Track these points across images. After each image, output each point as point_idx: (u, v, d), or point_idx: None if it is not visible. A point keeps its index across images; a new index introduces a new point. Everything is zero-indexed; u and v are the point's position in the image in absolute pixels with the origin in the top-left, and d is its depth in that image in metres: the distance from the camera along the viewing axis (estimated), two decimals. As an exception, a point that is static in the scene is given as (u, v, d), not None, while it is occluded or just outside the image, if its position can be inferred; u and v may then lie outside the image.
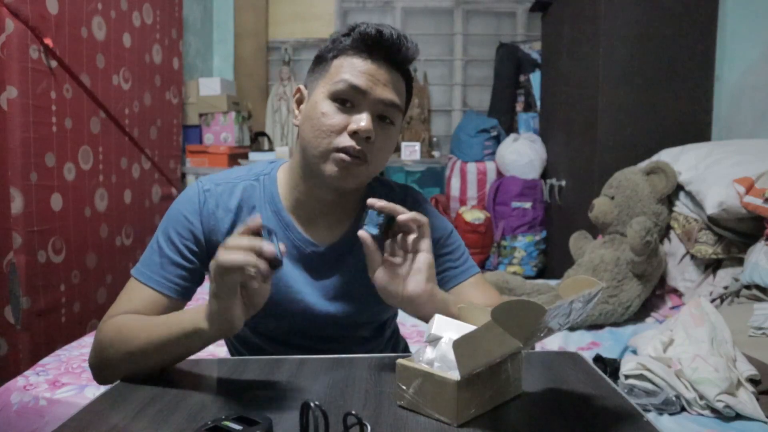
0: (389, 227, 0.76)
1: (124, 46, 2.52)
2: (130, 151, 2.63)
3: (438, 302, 0.77)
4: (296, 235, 0.90)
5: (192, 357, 0.77)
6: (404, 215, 0.75)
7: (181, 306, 0.87)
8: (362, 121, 0.80)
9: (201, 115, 3.42)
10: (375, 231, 0.76)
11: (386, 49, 0.83)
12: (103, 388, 0.76)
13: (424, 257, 0.76)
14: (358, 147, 0.81)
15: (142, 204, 2.76)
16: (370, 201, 0.75)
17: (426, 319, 0.75)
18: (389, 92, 0.83)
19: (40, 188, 2.02)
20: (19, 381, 1.38)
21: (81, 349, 1.60)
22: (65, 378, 1.40)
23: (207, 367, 0.81)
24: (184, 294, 0.87)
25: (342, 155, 0.81)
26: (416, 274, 0.76)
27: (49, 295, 2.08)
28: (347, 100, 0.82)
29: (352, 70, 0.82)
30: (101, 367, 0.81)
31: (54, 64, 2.08)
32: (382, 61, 0.84)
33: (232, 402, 0.68)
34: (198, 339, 0.73)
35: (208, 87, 3.39)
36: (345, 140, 0.81)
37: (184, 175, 3.29)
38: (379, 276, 0.77)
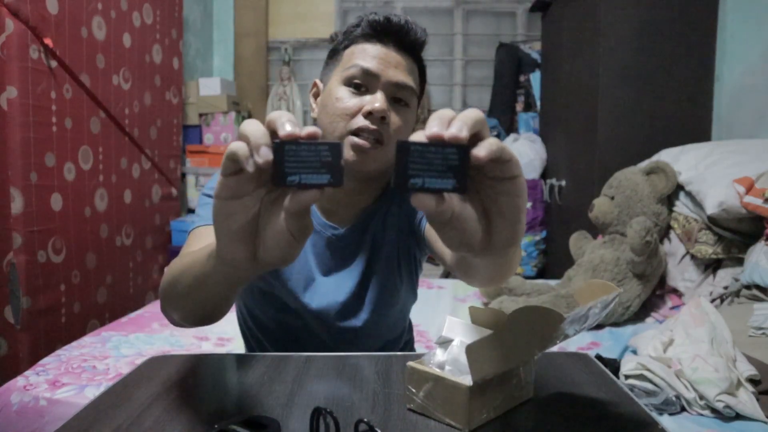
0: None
1: (124, 46, 2.52)
2: (130, 151, 2.63)
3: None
4: (317, 220, 0.92)
5: (196, 353, 0.77)
6: (483, 148, 0.41)
7: None
8: (376, 102, 0.81)
9: (201, 115, 3.42)
10: (449, 183, 0.40)
11: (395, 34, 0.85)
12: (104, 387, 0.75)
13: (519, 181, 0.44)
14: (373, 127, 0.81)
15: (142, 204, 2.76)
16: (428, 134, 0.41)
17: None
18: (401, 74, 0.84)
19: (40, 188, 2.02)
20: (19, 381, 1.38)
21: (81, 349, 1.59)
22: (65, 378, 1.39)
23: (212, 364, 0.81)
24: None
25: (357, 140, 0.81)
26: (504, 214, 0.45)
27: (49, 295, 2.08)
28: (361, 84, 0.84)
29: (364, 55, 0.84)
30: (166, 301, 0.69)
31: (54, 64, 2.08)
32: (392, 45, 0.85)
33: (238, 402, 0.68)
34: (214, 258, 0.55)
35: (208, 87, 3.39)
36: (360, 121, 0.82)
37: (184, 175, 3.29)
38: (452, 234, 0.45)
